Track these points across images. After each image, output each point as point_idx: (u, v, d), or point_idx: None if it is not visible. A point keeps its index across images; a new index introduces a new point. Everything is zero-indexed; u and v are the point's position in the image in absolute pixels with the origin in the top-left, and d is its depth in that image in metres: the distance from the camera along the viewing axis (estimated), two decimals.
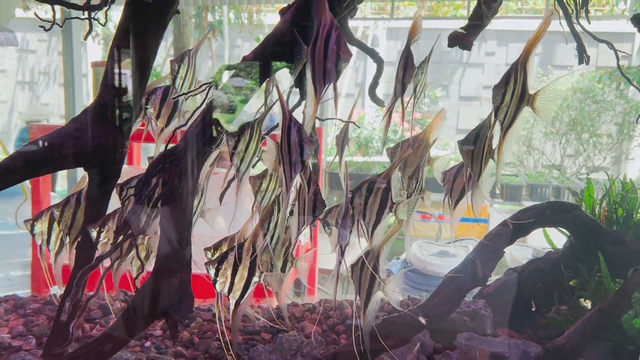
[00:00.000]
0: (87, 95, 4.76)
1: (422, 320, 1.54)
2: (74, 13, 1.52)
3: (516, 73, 1.43)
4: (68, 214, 1.65)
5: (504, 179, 9.31)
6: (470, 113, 11.46)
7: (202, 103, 1.36)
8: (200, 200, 1.81)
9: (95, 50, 11.24)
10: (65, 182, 4.77)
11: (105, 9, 1.41)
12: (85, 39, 1.53)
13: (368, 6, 11.88)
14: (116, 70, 1.48)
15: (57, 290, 2.72)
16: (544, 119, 1.47)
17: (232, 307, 1.50)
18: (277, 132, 1.87)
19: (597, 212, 1.93)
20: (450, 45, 1.38)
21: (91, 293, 1.44)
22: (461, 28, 1.38)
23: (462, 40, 1.35)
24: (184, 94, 1.56)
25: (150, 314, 1.36)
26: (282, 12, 1.37)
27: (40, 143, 1.45)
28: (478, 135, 1.54)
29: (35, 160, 1.44)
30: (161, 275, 1.35)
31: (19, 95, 13.12)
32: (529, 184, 9.18)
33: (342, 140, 1.88)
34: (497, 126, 1.50)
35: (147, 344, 1.91)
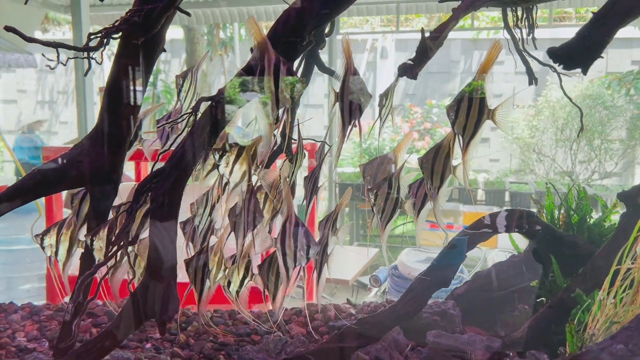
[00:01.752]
0: None
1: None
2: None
3: (470, 93, 1.60)
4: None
5: (513, 187, 9.41)
6: None
7: (182, 131, 1.57)
8: (204, 212, 2.02)
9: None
10: None
11: (101, 49, 1.63)
12: (86, 75, 1.75)
13: (377, 19, 12.11)
14: (112, 102, 1.70)
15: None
16: (504, 129, 1.62)
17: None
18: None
19: (557, 217, 2.10)
20: (400, 75, 1.57)
21: (98, 300, 1.65)
22: (409, 60, 1.57)
23: (410, 70, 1.54)
24: (172, 121, 1.78)
25: (142, 315, 1.56)
26: (252, 49, 1.57)
27: (49, 166, 1.68)
28: (438, 151, 1.72)
29: (45, 181, 1.67)
30: (151, 280, 1.55)
31: (39, 115, 13.52)
32: (538, 191, 9.23)
33: (321, 156, 2.08)
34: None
35: (148, 345, 2.11)
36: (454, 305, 2.08)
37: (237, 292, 1.84)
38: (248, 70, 1.57)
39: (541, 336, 1.80)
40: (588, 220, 2.00)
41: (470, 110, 1.61)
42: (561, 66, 1.43)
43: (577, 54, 1.40)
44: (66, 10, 7.58)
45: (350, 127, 1.51)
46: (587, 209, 2.00)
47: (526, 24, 1.83)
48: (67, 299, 2.82)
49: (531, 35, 1.83)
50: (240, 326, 2.24)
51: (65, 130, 13.48)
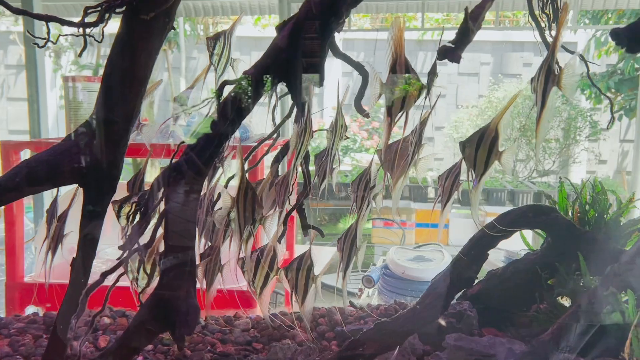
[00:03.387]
0: (49, 108, 4.63)
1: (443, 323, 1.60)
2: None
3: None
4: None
5: (464, 185, 9.50)
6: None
7: (205, 117, 1.39)
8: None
9: (46, 62, 10.94)
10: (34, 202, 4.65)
11: (102, 25, 1.42)
12: (80, 55, 1.54)
13: None
14: (113, 86, 1.50)
15: (34, 308, 2.67)
16: (569, 94, 1.41)
17: None
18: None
19: (570, 213, 2.04)
20: (440, 58, 1.45)
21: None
22: (450, 42, 1.46)
23: (451, 53, 1.43)
24: (192, 107, 1.59)
25: (156, 327, 1.38)
26: (279, 28, 1.42)
27: (38, 160, 1.45)
28: (482, 137, 1.55)
29: (34, 177, 1.44)
30: (166, 288, 1.37)
31: None
32: (485, 189, 9.39)
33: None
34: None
35: (139, 359, 1.90)
36: (471, 306, 1.99)
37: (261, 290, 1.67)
38: (262, 68, 1.42)
39: (570, 338, 1.73)
40: (605, 216, 1.95)
41: (539, 78, 1.43)
42: (624, 49, 1.35)
43: None
44: None
45: (397, 118, 1.38)
46: (605, 204, 1.94)
47: (551, 9, 1.75)
48: (31, 308, 2.56)
49: (556, 22, 1.75)
50: (239, 334, 2.06)
51: None
